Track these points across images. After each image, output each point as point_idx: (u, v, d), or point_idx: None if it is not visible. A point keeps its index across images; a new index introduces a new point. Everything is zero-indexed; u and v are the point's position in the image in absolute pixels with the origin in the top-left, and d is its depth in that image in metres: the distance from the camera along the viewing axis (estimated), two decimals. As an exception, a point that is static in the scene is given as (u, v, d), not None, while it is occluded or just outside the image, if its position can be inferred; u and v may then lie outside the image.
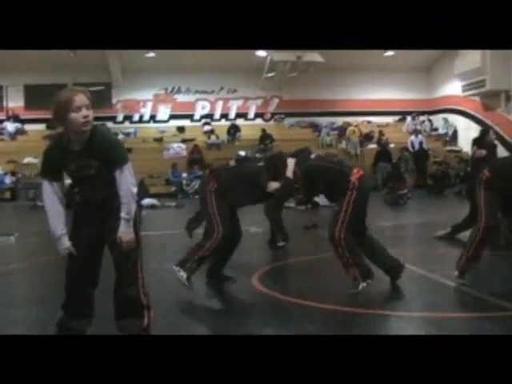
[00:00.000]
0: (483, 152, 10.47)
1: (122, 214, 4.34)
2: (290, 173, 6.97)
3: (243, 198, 7.16)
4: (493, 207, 6.64)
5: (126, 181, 4.34)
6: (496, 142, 11.46)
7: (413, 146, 26.53)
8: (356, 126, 29.32)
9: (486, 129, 11.27)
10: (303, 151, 8.20)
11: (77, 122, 4.21)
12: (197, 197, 24.03)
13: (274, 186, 7.03)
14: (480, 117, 26.81)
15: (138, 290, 4.55)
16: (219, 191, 6.93)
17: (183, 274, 6.76)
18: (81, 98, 4.28)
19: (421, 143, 26.64)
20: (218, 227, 6.84)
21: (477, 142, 11.05)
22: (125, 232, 4.39)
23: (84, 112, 4.25)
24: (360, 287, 6.59)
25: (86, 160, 4.31)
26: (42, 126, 27.83)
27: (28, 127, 28.53)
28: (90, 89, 22.60)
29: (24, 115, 28.64)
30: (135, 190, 4.40)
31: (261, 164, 7.46)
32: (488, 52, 23.87)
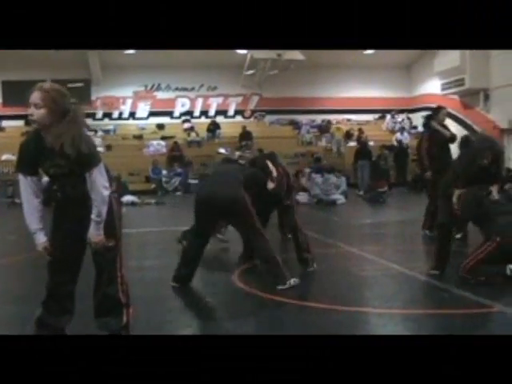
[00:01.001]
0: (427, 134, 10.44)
1: (92, 216, 4.32)
2: (275, 172, 7.28)
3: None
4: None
5: (96, 183, 4.29)
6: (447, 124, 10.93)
7: (400, 144, 26.71)
8: (340, 123, 29.53)
9: (436, 107, 10.93)
10: (272, 154, 8.28)
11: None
12: (177, 193, 23.99)
13: (270, 185, 7.28)
14: (459, 115, 26.96)
15: (116, 288, 4.54)
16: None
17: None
18: (34, 96, 4.27)
19: (401, 141, 26.82)
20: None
21: (427, 121, 10.92)
22: (94, 234, 4.38)
23: (30, 110, 4.25)
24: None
25: (59, 159, 4.27)
26: (20, 123, 27.58)
27: (6, 124, 28.31)
28: (69, 85, 22.35)
29: (2, 112, 28.39)
30: (106, 192, 4.33)
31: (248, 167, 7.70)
32: (467, 51, 24.03)
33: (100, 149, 27.14)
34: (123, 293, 4.59)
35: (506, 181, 20.29)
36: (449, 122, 24.73)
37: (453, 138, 10.52)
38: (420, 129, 29.73)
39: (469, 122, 26.47)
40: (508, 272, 6.60)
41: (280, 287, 6.60)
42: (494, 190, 6.80)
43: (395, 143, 26.91)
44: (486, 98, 25.60)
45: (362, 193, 21.52)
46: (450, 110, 26.73)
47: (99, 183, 4.30)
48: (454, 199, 6.81)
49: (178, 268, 7.02)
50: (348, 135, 29.03)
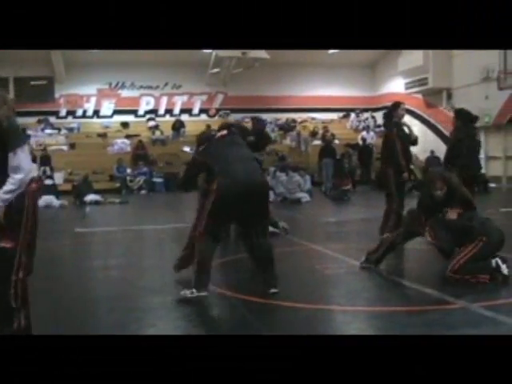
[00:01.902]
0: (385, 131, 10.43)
1: None
2: None
3: None
4: None
5: (15, 163, 4.28)
6: (405, 120, 10.79)
7: (364, 142, 26.89)
8: (305, 122, 29.64)
9: (396, 102, 10.77)
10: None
11: None
12: (142, 192, 23.87)
13: None
14: (422, 114, 27.22)
15: (7, 291, 4.36)
16: None
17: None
18: None
19: (372, 139, 27.03)
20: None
21: (385, 118, 10.83)
22: None
23: None
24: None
25: None
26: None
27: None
28: (32, 83, 22.17)
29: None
30: (20, 176, 4.30)
31: None
32: (430, 51, 24.26)
33: (64, 147, 26.97)
34: (16, 296, 4.39)
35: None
36: (412, 121, 25.08)
37: (416, 141, 10.50)
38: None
39: (432, 120, 26.74)
40: (493, 264, 6.67)
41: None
42: (450, 212, 6.88)
43: (360, 142, 27.09)
44: (449, 97, 25.91)
45: (326, 191, 21.61)
46: (413, 109, 27.20)
47: (18, 164, 4.29)
48: (427, 236, 6.91)
49: (198, 277, 6.14)
50: (313, 134, 29.14)
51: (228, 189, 6.02)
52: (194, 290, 6.07)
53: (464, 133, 10.08)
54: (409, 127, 10.54)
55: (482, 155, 13.27)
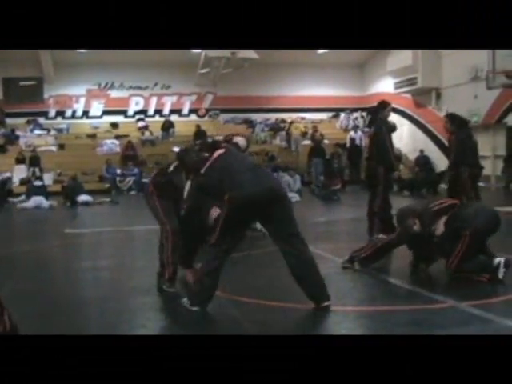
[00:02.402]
0: (371, 131, 10.47)
1: None
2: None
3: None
4: None
5: None
6: (391, 120, 10.87)
7: (353, 142, 26.91)
8: (294, 122, 29.72)
9: (382, 102, 10.80)
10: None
11: None
12: (132, 193, 23.82)
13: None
14: (411, 114, 27.30)
15: None
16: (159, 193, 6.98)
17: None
18: None
19: (360, 139, 27.07)
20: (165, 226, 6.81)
21: (372, 116, 10.90)
22: None
23: None
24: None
25: None
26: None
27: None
28: (21, 83, 22.14)
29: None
30: None
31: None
32: (419, 51, 24.34)
33: (53, 148, 26.91)
34: None
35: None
36: (402, 121, 25.14)
37: (395, 127, 10.70)
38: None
39: (421, 120, 26.82)
40: (495, 263, 6.71)
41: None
42: (437, 229, 6.91)
43: (348, 142, 27.14)
44: (438, 96, 25.98)
45: (315, 191, 21.63)
46: (402, 109, 27.28)
47: None
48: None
49: (204, 290, 6.00)
50: (302, 134, 29.19)
51: (237, 201, 5.84)
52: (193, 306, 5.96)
53: (464, 133, 10.25)
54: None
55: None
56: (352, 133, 27.73)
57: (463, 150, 10.11)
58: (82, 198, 19.80)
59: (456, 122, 10.47)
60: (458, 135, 10.25)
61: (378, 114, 10.41)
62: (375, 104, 10.84)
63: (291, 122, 29.99)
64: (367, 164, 11.12)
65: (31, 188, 20.20)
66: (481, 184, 21.82)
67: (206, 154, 6.20)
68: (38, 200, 19.06)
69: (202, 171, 6.24)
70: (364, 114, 30.75)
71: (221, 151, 6.19)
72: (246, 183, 5.86)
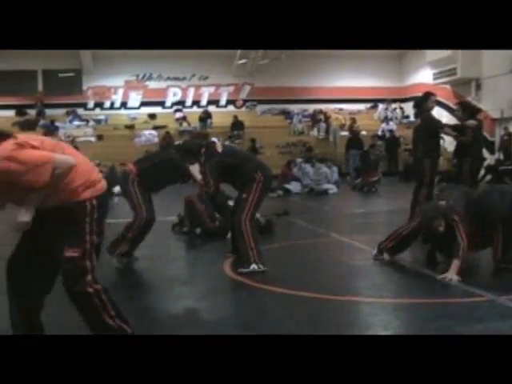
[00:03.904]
0: (419, 121, 10.38)
1: None
2: (196, 172, 7.55)
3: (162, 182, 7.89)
4: None
5: None
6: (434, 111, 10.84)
7: (385, 134, 26.76)
8: (333, 113, 29.65)
9: (427, 93, 10.76)
10: (209, 146, 7.95)
11: None
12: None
13: (196, 169, 7.36)
14: (451, 105, 27.01)
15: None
16: (140, 180, 7.58)
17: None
18: None
19: (391, 131, 26.87)
20: (141, 211, 7.53)
21: (416, 108, 10.82)
22: None
23: None
24: (251, 267, 6.97)
25: None
26: (11, 113, 27.59)
27: (-3, 113, 28.22)
28: (60, 75, 22.30)
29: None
30: None
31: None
32: (459, 40, 24.03)
33: (92, 139, 27.15)
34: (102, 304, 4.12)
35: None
36: (441, 112, 24.93)
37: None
38: (412, 118, 29.81)
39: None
40: None
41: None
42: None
43: (380, 133, 26.95)
44: (478, 87, 25.65)
45: (351, 182, 21.56)
46: (442, 100, 27.00)
47: None
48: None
49: (259, 254, 7.12)
50: (341, 125, 29.06)
51: (268, 179, 7.35)
52: (260, 266, 6.97)
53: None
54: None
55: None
56: (384, 124, 27.51)
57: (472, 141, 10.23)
58: (118, 188, 19.89)
59: (468, 111, 10.45)
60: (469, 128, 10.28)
61: (421, 106, 10.36)
62: (419, 95, 10.81)
63: (326, 114, 29.80)
64: (413, 156, 11.02)
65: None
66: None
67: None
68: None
69: (220, 151, 7.46)
70: (402, 105, 30.52)
71: (220, 148, 7.60)
72: (266, 165, 7.53)
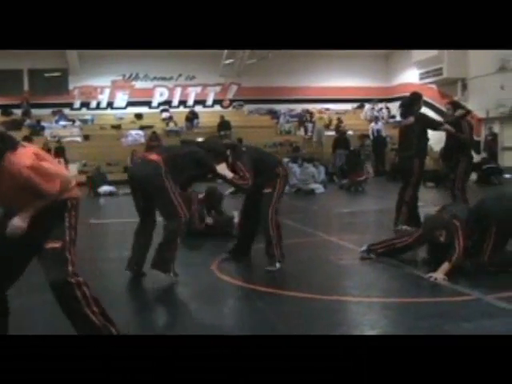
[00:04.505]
0: (411, 119, 10.38)
1: None
2: (226, 170, 7.17)
3: (188, 179, 7.25)
4: None
5: None
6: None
7: (373, 133, 26.82)
8: (320, 113, 29.66)
9: (417, 94, 10.84)
10: (236, 146, 7.96)
11: None
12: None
13: (224, 167, 7.14)
14: (437, 105, 27.09)
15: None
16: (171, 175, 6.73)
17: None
18: None
19: (379, 130, 26.93)
20: (181, 210, 6.67)
21: (404, 108, 10.82)
22: None
23: None
24: (277, 265, 7.12)
25: None
26: (-4, 112, 27.50)
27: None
28: (46, 75, 22.20)
29: (-21, 101, 28.16)
30: None
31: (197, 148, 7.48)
32: (445, 41, 24.14)
33: (78, 139, 27.05)
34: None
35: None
36: (427, 112, 24.96)
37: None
38: (398, 118, 29.88)
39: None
40: None
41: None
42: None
43: (372, 133, 27.01)
44: (464, 87, 25.77)
45: (340, 182, 21.59)
46: (428, 100, 27.07)
47: None
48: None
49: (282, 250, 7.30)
50: (326, 124, 29.10)
51: (287, 174, 7.79)
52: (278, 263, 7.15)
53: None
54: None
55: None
56: (373, 124, 27.57)
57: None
58: (105, 188, 19.85)
59: (459, 110, 10.61)
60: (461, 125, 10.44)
61: (413, 106, 10.38)
62: (401, 95, 10.95)
63: (313, 113, 29.79)
64: (400, 155, 11.00)
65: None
66: (507, 176, 21.78)
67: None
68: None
69: (244, 149, 7.51)
70: (389, 105, 30.59)
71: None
72: (282, 161, 8.26)
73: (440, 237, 6.76)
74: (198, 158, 7.02)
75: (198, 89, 30.83)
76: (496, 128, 23.97)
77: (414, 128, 10.09)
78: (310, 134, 28.35)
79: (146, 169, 6.80)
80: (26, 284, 6.79)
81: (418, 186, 10.11)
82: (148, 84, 30.34)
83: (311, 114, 29.63)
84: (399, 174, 10.67)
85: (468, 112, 10.92)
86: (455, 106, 10.86)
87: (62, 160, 24.18)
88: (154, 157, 6.91)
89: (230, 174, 7.13)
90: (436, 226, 6.87)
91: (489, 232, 6.67)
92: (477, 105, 23.35)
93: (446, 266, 6.47)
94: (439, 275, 6.38)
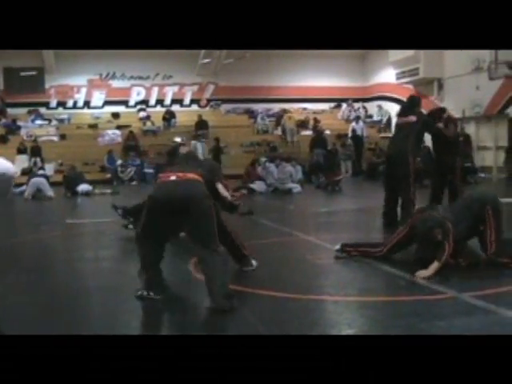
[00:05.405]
0: (413, 118, 10.54)
1: None
2: (224, 190, 6.68)
3: None
4: None
5: None
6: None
7: (355, 133, 26.91)
8: (292, 112, 29.57)
9: (417, 96, 11.29)
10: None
11: None
12: (133, 183, 23.75)
13: (222, 187, 6.73)
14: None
15: None
16: None
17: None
18: None
19: (354, 130, 27.04)
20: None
21: (409, 108, 11.01)
22: None
23: None
24: (254, 263, 7.09)
25: None
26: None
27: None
28: (22, 74, 22.10)
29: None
30: None
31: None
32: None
33: (54, 138, 26.89)
34: None
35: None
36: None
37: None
38: (375, 118, 30.01)
39: (423, 110, 26.73)
40: None
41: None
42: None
43: (350, 133, 27.12)
44: (440, 87, 25.94)
45: (315, 181, 21.64)
46: (404, 99, 27.21)
47: None
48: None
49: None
50: (303, 124, 29.08)
51: None
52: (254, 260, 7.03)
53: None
54: None
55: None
56: (353, 123, 27.67)
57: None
58: (82, 187, 19.72)
59: (437, 115, 11.30)
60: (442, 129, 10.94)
61: (415, 106, 10.87)
62: (378, 94, 11.22)
63: (284, 113, 29.66)
64: (394, 154, 10.91)
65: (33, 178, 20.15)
66: (482, 175, 21.97)
67: None
68: (37, 181, 19.03)
69: None
70: (366, 104, 30.72)
71: None
72: None
73: (438, 235, 6.82)
74: (208, 180, 6.27)
75: (175, 88, 30.75)
76: (471, 128, 24.13)
77: (419, 127, 10.38)
78: (281, 135, 28.19)
79: (193, 189, 5.82)
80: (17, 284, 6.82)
81: (415, 184, 10.55)
82: (125, 83, 30.22)
83: (286, 113, 29.60)
84: (394, 171, 10.54)
85: (443, 110, 11.22)
86: (433, 113, 11.25)
87: (38, 159, 24.09)
88: (195, 176, 5.95)
89: (228, 194, 6.68)
90: (434, 224, 6.92)
91: (485, 216, 6.91)
92: (453, 104, 23.48)
93: (435, 264, 6.54)
94: (429, 273, 6.46)
